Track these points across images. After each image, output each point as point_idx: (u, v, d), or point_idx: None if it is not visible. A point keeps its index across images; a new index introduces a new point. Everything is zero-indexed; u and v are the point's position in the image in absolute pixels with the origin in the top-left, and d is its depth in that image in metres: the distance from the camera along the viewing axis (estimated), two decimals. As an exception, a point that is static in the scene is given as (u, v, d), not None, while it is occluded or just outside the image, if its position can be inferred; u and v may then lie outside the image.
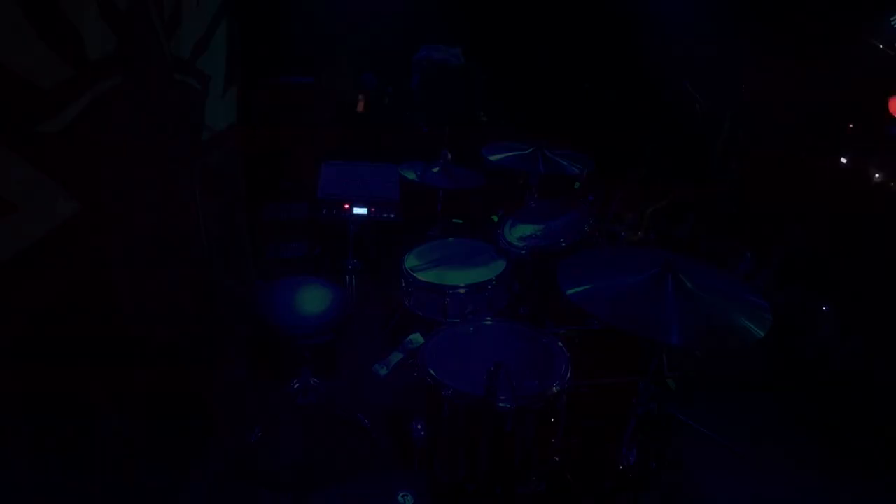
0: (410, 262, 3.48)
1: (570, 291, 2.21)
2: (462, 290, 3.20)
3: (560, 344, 2.64)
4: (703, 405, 3.48)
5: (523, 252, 3.27)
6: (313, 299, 2.89)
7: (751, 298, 2.17)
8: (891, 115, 4.20)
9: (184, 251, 2.96)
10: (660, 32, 5.32)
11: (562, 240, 3.20)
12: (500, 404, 2.25)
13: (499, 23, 5.40)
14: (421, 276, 3.31)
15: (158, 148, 2.56)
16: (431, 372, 2.45)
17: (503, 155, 3.73)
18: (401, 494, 2.67)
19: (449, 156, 4.02)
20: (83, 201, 1.94)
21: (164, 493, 2.68)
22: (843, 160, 4.69)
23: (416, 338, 3.77)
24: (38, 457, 1.82)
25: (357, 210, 3.66)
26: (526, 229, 3.49)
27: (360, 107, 5.13)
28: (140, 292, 2.35)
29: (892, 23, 4.23)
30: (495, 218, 4.14)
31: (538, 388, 2.35)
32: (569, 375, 2.45)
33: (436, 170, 3.95)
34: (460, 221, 4.89)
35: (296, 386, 3.08)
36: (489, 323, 2.86)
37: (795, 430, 3.49)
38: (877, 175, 4.40)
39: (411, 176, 3.93)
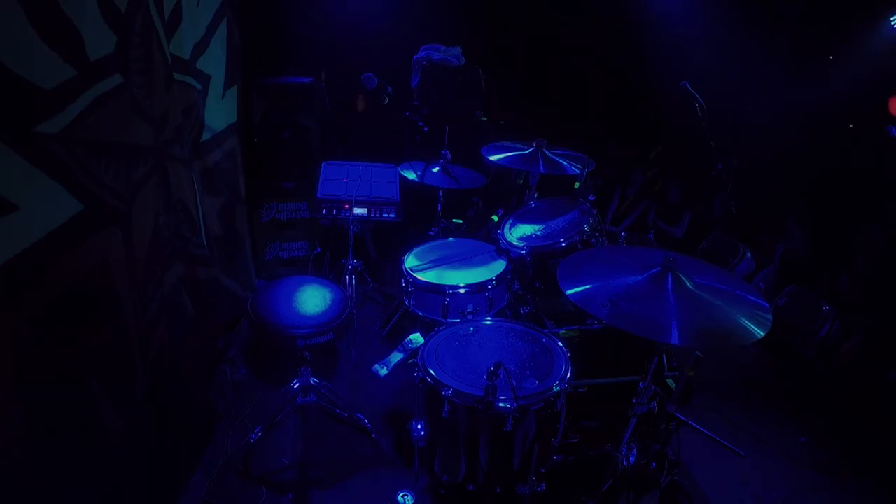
0: (410, 262, 3.48)
1: (570, 291, 2.21)
2: (462, 290, 3.20)
3: (560, 344, 2.64)
4: (703, 405, 3.49)
5: (523, 252, 3.27)
6: (313, 299, 2.89)
7: (751, 298, 2.18)
8: (891, 115, 4.20)
9: (184, 251, 2.96)
10: (660, 33, 5.33)
11: (562, 240, 3.20)
12: (500, 404, 2.26)
13: (498, 23, 5.40)
14: (421, 276, 3.31)
15: (158, 148, 2.56)
16: (431, 372, 2.45)
17: (503, 155, 3.73)
18: (401, 494, 2.68)
19: (449, 156, 4.01)
20: (83, 201, 1.94)
21: (165, 493, 2.68)
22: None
23: (416, 338, 3.79)
24: (37, 457, 1.82)
25: (357, 210, 3.66)
26: (526, 229, 3.49)
27: (360, 107, 5.13)
28: (140, 292, 2.35)
29: (892, 23, 4.24)
30: (495, 218, 4.14)
31: (538, 388, 2.35)
32: (569, 375, 2.45)
33: (436, 170, 3.95)
34: (460, 221, 4.89)
35: (296, 386, 3.08)
36: (489, 323, 2.86)
37: (796, 430, 3.49)
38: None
39: (411, 176, 3.93)
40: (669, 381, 2.72)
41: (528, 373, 2.45)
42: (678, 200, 5.77)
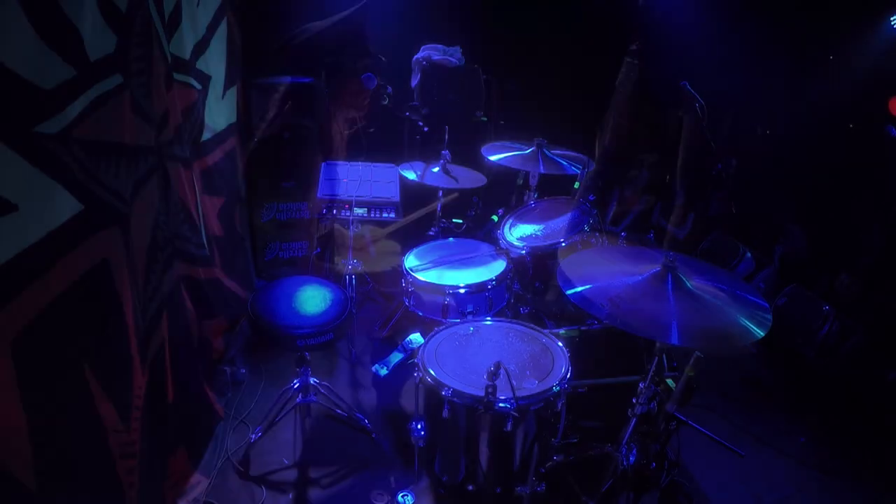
0: (410, 262, 3.48)
1: (570, 291, 2.21)
2: (462, 290, 3.20)
3: (560, 344, 2.64)
4: (703, 405, 3.49)
5: (523, 252, 3.27)
6: (313, 299, 2.89)
7: (751, 298, 2.18)
8: (891, 115, 4.20)
9: (184, 251, 2.96)
10: (660, 32, 5.32)
11: (562, 240, 3.20)
12: (500, 404, 2.26)
13: (498, 22, 5.40)
14: (421, 276, 3.31)
15: (158, 148, 2.56)
16: (431, 372, 2.45)
17: (503, 155, 3.73)
18: (401, 494, 2.68)
19: (449, 156, 4.02)
20: (83, 201, 1.94)
21: (165, 493, 2.68)
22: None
23: (416, 338, 3.79)
24: (36, 457, 1.82)
25: (357, 210, 3.66)
26: (526, 229, 3.49)
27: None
28: (140, 292, 2.35)
29: (892, 23, 4.23)
30: (495, 218, 4.14)
31: (538, 388, 2.35)
32: (569, 375, 2.45)
33: (436, 170, 3.95)
34: (460, 221, 4.89)
35: (296, 386, 3.08)
36: (489, 323, 2.87)
37: (796, 430, 3.49)
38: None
39: (411, 176, 3.93)
40: (669, 381, 2.72)
41: (528, 373, 2.45)
42: (684, 201, 5.77)
